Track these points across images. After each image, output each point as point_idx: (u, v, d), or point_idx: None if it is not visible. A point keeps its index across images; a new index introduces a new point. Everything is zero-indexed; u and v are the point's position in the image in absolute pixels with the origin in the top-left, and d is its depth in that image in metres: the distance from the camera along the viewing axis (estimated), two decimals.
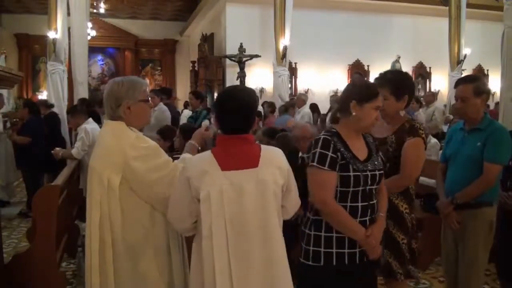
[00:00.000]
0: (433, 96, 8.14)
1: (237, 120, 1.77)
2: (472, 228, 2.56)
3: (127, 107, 1.93)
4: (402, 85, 2.40)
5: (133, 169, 1.85)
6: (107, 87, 2.00)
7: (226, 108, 1.77)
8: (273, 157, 1.80)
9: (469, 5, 11.34)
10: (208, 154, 1.77)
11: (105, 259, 1.86)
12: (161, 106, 6.34)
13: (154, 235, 1.92)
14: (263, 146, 1.83)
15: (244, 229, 1.70)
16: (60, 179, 3.69)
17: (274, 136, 3.89)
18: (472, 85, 2.58)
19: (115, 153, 1.87)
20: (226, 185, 1.70)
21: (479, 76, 2.82)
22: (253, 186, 1.72)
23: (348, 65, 12.62)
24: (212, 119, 6.51)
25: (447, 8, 11.17)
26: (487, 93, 2.63)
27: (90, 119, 5.09)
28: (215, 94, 11.71)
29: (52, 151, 5.19)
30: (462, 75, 11.38)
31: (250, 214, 1.70)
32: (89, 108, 6.42)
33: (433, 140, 5.99)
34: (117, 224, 1.87)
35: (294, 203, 1.91)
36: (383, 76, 2.46)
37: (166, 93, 7.57)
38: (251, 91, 1.86)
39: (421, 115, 7.82)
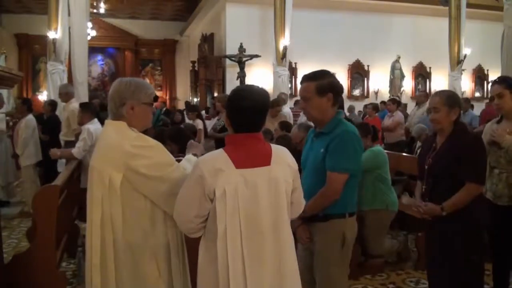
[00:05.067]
0: (426, 96, 7.97)
1: (254, 120, 1.78)
2: (322, 242, 2.30)
3: (130, 108, 1.94)
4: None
5: (133, 168, 1.85)
6: (114, 84, 2.01)
7: (243, 108, 1.76)
8: (283, 156, 1.82)
9: (469, 5, 11.34)
10: (221, 152, 1.76)
11: (106, 258, 1.86)
12: None
13: (154, 236, 1.91)
14: (273, 145, 1.85)
15: (258, 227, 1.70)
16: (60, 179, 3.68)
17: None
18: (314, 83, 2.30)
19: (116, 152, 1.87)
20: (241, 183, 1.70)
21: (327, 73, 2.39)
22: (266, 184, 1.73)
23: (348, 65, 12.64)
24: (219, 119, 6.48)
25: (447, 8, 11.18)
26: (334, 91, 2.31)
27: (95, 119, 5.04)
28: (215, 94, 11.73)
29: (50, 151, 5.15)
30: (462, 75, 11.44)
31: (264, 212, 1.71)
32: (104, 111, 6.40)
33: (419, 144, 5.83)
34: (118, 224, 1.86)
35: (301, 201, 1.94)
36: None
37: None
38: (264, 91, 1.86)
39: (399, 115, 7.68)
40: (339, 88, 2.37)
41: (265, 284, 1.70)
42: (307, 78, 2.36)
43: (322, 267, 2.21)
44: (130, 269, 1.88)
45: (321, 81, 2.30)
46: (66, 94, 6.35)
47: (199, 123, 6.77)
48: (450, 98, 2.53)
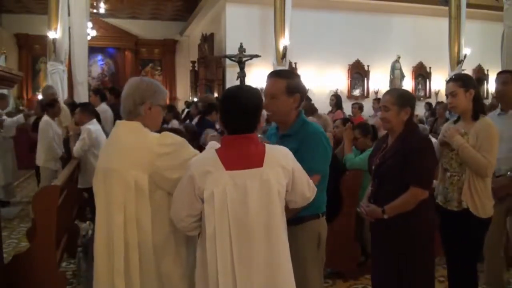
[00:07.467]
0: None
1: (244, 121, 1.77)
2: (298, 244, 2.25)
3: (148, 107, 1.94)
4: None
5: (161, 167, 1.83)
6: (132, 82, 1.99)
7: (232, 109, 1.77)
8: (277, 157, 1.79)
9: (469, 5, 11.35)
10: (212, 153, 1.76)
11: (129, 262, 1.82)
12: (102, 106, 6.35)
13: (175, 233, 1.89)
14: (268, 146, 1.82)
15: (248, 229, 1.69)
16: (60, 179, 3.69)
17: None
18: (285, 80, 2.19)
19: (141, 152, 1.85)
20: (229, 185, 1.69)
21: (296, 74, 2.40)
22: (257, 186, 1.71)
23: (348, 65, 12.63)
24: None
25: (447, 8, 11.19)
26: (302, 93, 2.24)
27: (94, 120, 5.07)
28: (215, 94, 11.73)
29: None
30: None
31: (254, 215, 1.70)
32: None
33: None
34: (147, 225, 1.83)
35: (302, 198, 1.91)
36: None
37: (114, 93, 7.21)
38: (256, 91, 1.85)
39: None
40: (306, 90, 2.35)
41: (256, 286, 1.68)
42: (276, 74, 2.28)
43: (299, 268, 2.13)
44: (154, 270, 1.86)
45: (292, 80, 2.22)
46: (52, 95, 6.44)
47: (175, 124, 6.80)
48: (401, 97, 2.47)
